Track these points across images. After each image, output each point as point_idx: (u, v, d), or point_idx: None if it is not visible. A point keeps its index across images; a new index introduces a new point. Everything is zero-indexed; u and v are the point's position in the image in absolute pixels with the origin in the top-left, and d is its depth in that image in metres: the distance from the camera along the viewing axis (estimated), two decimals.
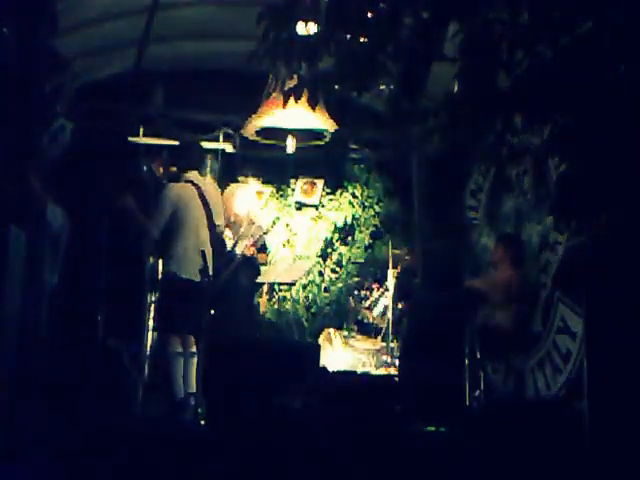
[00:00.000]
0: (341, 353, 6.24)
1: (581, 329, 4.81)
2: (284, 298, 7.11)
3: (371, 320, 6.56)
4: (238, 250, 5.53)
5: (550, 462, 3.26)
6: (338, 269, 7.22)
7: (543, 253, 5.42)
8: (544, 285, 5.36)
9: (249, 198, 5.98)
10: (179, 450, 3.52)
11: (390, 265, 6.23)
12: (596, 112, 2.66)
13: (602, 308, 4.02)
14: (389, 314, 6.16)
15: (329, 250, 7.27)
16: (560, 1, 2.67)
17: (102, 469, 3.27)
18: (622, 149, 2.55)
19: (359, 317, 6.69)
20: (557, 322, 5.18)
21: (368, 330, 6.53)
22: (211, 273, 4.93)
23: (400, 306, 6.27)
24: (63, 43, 5.21)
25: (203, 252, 4.75)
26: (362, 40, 2.75)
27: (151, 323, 5.46)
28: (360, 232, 7.29)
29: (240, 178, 6.94)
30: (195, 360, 4.92)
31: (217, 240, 5.31)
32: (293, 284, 6.78)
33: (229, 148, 6.82)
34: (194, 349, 5.02)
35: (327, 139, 5.88)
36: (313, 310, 7.12)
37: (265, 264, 6.35)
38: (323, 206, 7.30)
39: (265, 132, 5.98)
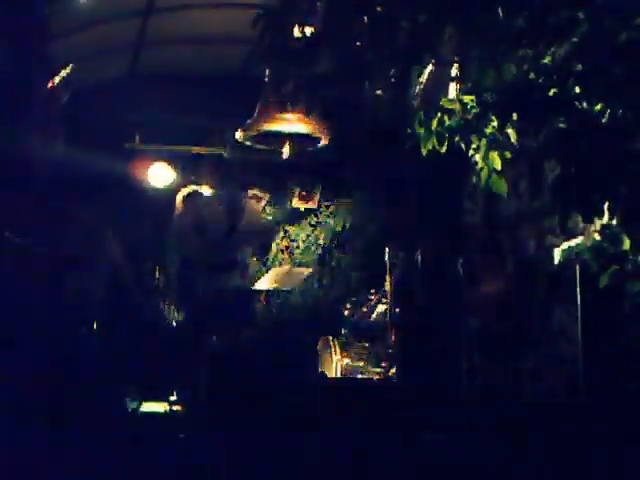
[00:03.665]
0: (339, 359, 6.24)
1: (578, 332, 4.81)
2: (281, 306, 7.10)
3: (369, 326, 6.55)
4: None
5: (549, 463, 3.26)
6: (336, 275, 7.22)
7: (539, 256, 5.43)
8: (541, 288, 5.36)
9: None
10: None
11: (388, 270, 6.23)
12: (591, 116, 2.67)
13: (598, 311, 4.03)
14: (387, 319, 6.16)
15: (327, 256, 7.27)
16: (555, 5, 2.68)
17: None
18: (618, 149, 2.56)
19: (357, 323, 6.69)
20: (554, 326, 5.18)
21: (366, 336, 6.52)
22: None
23: (397, 311, 6.26)
24: (56, 48, 5.21)
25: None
26: (358, 43, 2.76)
27: None
28: (358, 238, 7.29)
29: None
30: None
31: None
32: (290, 291, 6.77)
33: (226, 153, 6.82)
34: None
35: (324, 143, 5.88)
36: (311, 317, 7.11)
37: None
38: (321, 212, 7.30)
39: (262, 137, 5.97)
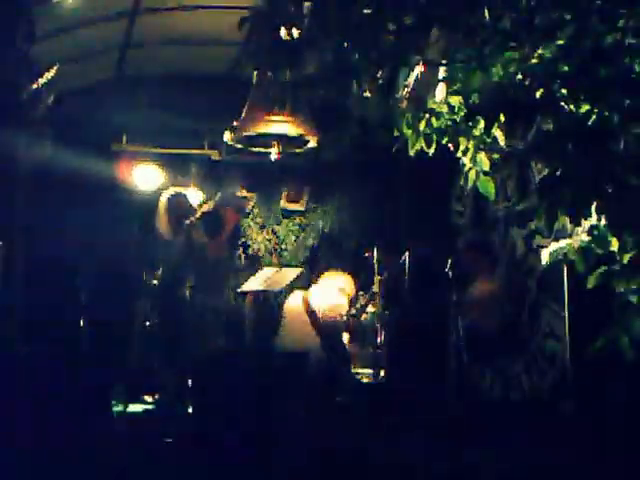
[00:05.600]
0: None
1: (566, 332, 4.82)
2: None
3: (358, 327, 6.55)
4: None
5: (537, 462, 3.26)
6: None
7: (528, 257, 5.44)
8: (529, 289, 5.38)
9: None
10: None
11: (377, 271, 6.22)
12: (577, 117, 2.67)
13: (586, 311, 4.04)
14: (376, 320, 6.15)
15: (316, 257, 7.26)
16: (541, 7, 2.68)
17: None
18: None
19: (346, 324, 6.68)
20: (543, 326, 5.19)
21: (355, 337, 6.51)
22: None
23: (387, 312, 6.26)
24: (42, 49, 5.16)
25: None
26: (345, 45, 2.75)
27: None
28: (347, 238, 7.29)
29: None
30: None
31: None
32: (280, 292, 6.74)
33: (214, 155, 6.81)
34: None
35: (312, 145, 5.88)
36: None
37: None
38: (309, 213, 7.30)
39: (250, 139, 5.95)
